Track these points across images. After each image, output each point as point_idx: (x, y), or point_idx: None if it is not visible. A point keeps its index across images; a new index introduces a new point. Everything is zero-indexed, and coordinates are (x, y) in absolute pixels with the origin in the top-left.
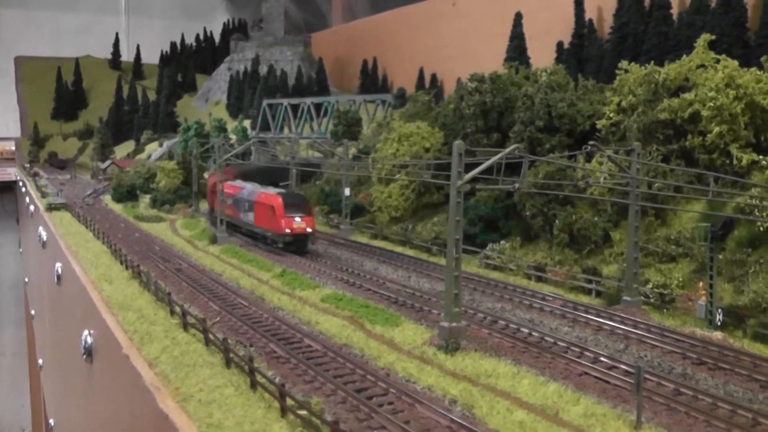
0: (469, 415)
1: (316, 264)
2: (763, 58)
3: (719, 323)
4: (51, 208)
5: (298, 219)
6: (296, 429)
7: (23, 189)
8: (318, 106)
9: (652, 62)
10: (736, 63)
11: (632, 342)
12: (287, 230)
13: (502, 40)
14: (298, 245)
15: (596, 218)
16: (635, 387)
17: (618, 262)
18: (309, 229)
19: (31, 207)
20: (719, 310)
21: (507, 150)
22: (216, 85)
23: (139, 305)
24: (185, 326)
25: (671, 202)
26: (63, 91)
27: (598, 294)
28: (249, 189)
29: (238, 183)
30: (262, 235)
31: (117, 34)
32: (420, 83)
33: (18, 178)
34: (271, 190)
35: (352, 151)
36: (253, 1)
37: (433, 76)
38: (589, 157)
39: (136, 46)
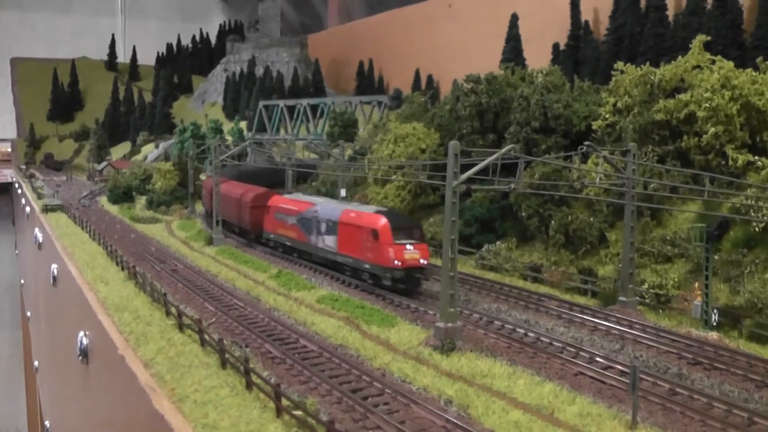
0: (465, 416)
1: (312, 265)
2: (758, 59)
3: (715, 323)
4: (47, 209)
5: (410, 247)
6: (291, 429)
7: (19, 190)
8: (314, 108)
9: (648, 63)
10: (731, 64)
11: (628, 342)
12: (397, 263)
13: (498, 41)
14: (409, 282)
15: (592, 219)
16: (631, 387)
17: (614, 262)
18: (423, 261)
19: (27, 208)
20: (715, 311)
21: (503, 150)
22: (212, 86)
23: (134, 306)
24: (181, 327)
25: (667, 203)
26: (59, 93)
27: (594, 294)
28: (324, 205)
29: (300, 196)
30: (352, 267)
31: (113, 35)
32: (416, 84)
33: (14, 179)
34: (366, 208)
35: (348, 152)
36: (250, 3)
37: (429, 78)
38: (584, 158)
39: (133, 48)
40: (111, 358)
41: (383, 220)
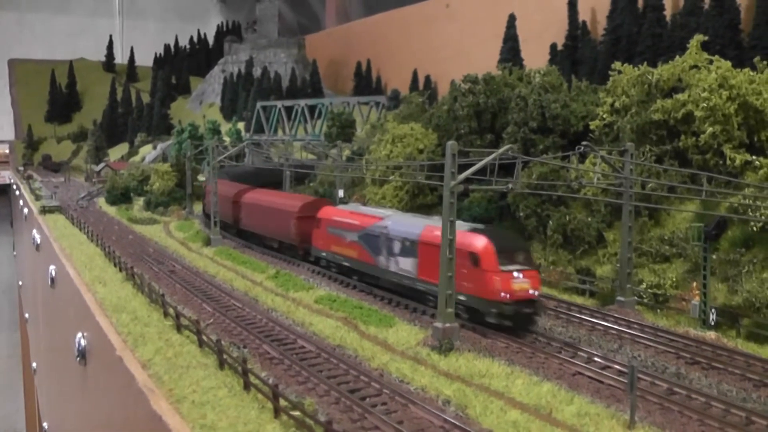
0: (463, 415)
1: (310, 265)
2: (756, 59)
3: (713, 323)
4: (45, 210)
5: (518, 275)
6: (290, 430)
7: (17, 192)
8: (312, 108)
9: (646, 63)
10: (729, 64)
11: (626, 342)
12: (504, 294)
13: (495, 41)
14: (519, 320)
15: (590, 219)
16: (629, 386)
17: (611, 262)
18: (535, 292)
19: (25, 210)
20: (713, 310)
21: (500, 150)
22: (210, 87)
23: (132, 307)
24: (179, 328)
25: (665, 203)
26: (57, 94)
27: (592, 294)
28: (396, 219)
29: (359, 207)
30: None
31: (111, 36)
32: (414, 85)
33: (12, 181)
34: (459, 225)
35: (346, 152)
36: (247, 3)
37: (427, 78)
38: (582, 158)
39: (130, 49)
40: (109, 359)
41: (483, 241)
